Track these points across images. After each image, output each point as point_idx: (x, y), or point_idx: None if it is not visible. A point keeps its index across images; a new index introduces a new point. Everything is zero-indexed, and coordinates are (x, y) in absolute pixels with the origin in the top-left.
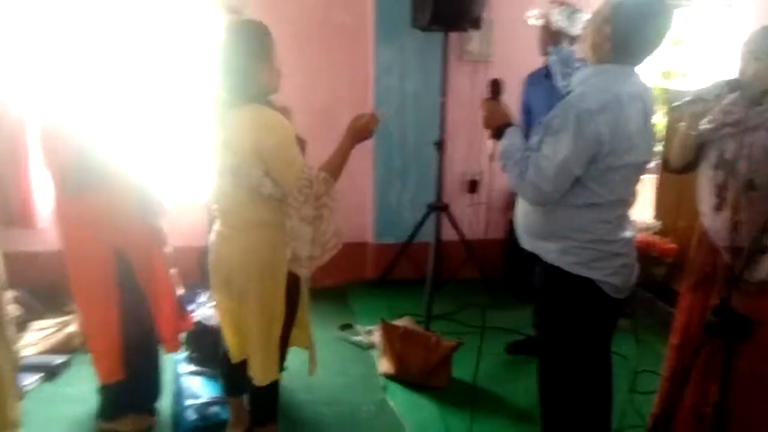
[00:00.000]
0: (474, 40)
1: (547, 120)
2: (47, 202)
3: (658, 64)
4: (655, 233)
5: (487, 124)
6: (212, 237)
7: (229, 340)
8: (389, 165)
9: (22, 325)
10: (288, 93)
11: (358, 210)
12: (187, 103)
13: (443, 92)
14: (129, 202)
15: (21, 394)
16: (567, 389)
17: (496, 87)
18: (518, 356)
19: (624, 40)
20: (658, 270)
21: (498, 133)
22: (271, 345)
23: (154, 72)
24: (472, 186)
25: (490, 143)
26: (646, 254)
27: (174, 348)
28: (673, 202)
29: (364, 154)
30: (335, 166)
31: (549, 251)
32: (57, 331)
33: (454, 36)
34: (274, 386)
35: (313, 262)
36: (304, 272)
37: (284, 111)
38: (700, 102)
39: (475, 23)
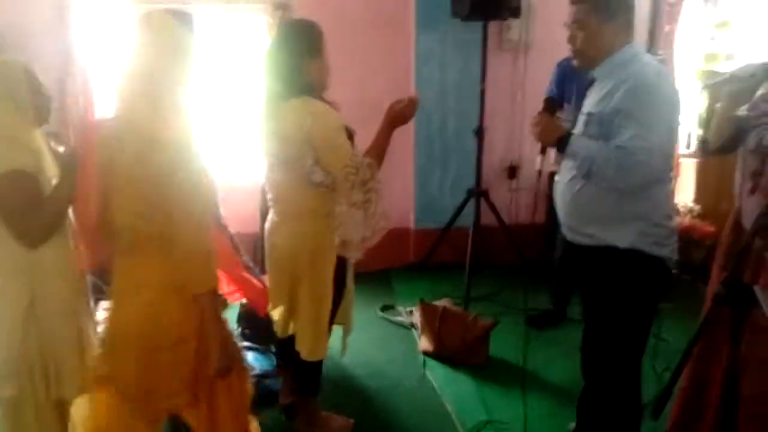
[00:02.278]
0: (513, 28)
1: (611, 104)
2: None
3: (701, 46)
4: (695, 216)
5: (544, 138)
6: (267, 225)
7: (277, 317)
8: (430, 152)
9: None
10: (333, 84)
11: (400, 196)
12: (240, 97)
13: (483, 80)
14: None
15: None
16: (625, 369)
17: (550, 104)
18: (548, 333)
19: (614, 16)
20: (697, 253)
21: (560, 144)
22: (320, 325)
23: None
24: (511, 172)
25: (540, 158)
26: (686, 237)
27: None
28: (714, 185)
29: (405, 142)
30: (378, 151)
31: (623, 236)
32: None
33: (493, 24)
34: (318, 362)
35: (364, 244)
36: (356, 255)
37: (332, 105)
38: (735, 81)
39: (515, 12)
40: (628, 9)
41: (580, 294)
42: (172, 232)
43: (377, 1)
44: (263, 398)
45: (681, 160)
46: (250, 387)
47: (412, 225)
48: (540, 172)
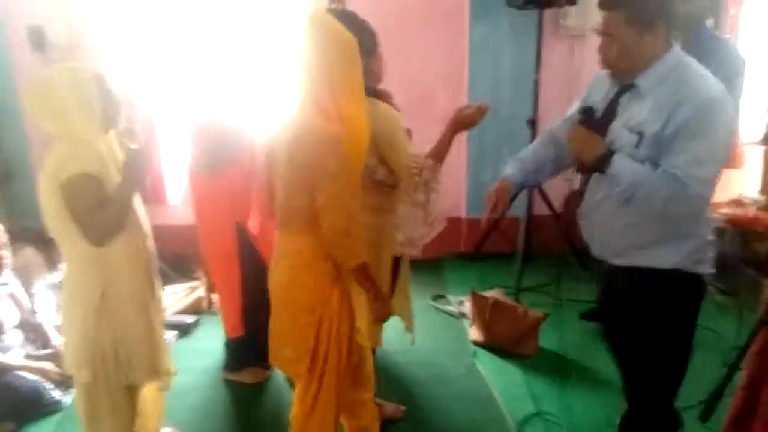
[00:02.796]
0: (571, 14)
1: (670, 123)
2: (177, 183)
3: None
4: (761, 208)
5: (581, 155)
6: None
7: None
8: (483, 142)
9: None
10: (389, 75)
11: (453, 186)
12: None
13: (537, 69)
14: (250, 181)
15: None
16: (671, 391)
17: (588, 115)
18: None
19: (652, 26)
20: (761, 246)
21: (599, 164)
22: None
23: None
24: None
25: (578, 178)
26: (750, 229)
27: None
28: None
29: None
30: (441, 153)
31: (667, 255)
32: (186, 295)
33: (549, 12)
34: (372, 349)
35: (423, 241)
36: (415, 252)
37: (387, 99)
38: None
39: None
40: (668, 14)
41: (613, 317)
42: (318, 210)
43: None
44: None
45: (745, 147)
46: (370, 371)
47: (463, 214)
48: (577, 194)
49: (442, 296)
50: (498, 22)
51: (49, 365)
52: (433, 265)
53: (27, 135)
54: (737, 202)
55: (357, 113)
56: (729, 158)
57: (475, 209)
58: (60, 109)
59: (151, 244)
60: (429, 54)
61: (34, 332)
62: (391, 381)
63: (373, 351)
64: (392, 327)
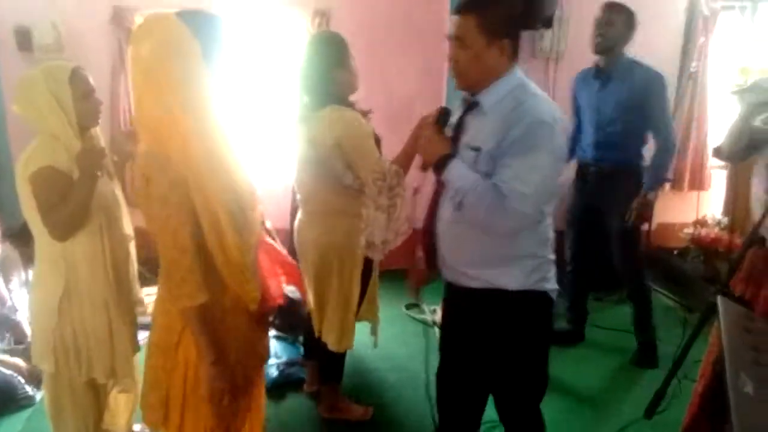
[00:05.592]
0: (546, 37)
1: (504, 141)
2: None
3: (736, 60)
4: (723, 228)
5: (426, 153)
6: (296, 224)
7: (314, 314)
8: None
9: None
10: (368, 89)
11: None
12: (273, 103)
13: None
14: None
15: (138, 348)
16: (536, 406)
17: (444, 116)
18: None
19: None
20: (722, 265)
21: (439, 165)
22: (347, 319)
23: (250, 74)
24: None
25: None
26: (712, 249)
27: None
28: (744, 197)
29: None
30: (405, 159)
31: (512, 276)
32: None
33: (526, 34)
34: (343, 352)
35: (386, 246)
36: (378, 256)
37: (363, 113)
38: (757, 91)
39: (548, 22)
40: (515, 31)
41: (458, 339)
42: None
43: (411, 9)
44: (289, 385)
45: (711, 171)
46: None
47: None
48: (416, 189)
49: (415, 305)
50: None
51: (21, 361)
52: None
53: (9, 133)
54: (701, 223)
55: (203, 127)
56: (557, 181)
57: None
58: (35, 105)
59: (129, 245)
60: (409, 69)
61: (11, 328)
62: (361, 385)
63: (344, 354)
64: (363, 331)
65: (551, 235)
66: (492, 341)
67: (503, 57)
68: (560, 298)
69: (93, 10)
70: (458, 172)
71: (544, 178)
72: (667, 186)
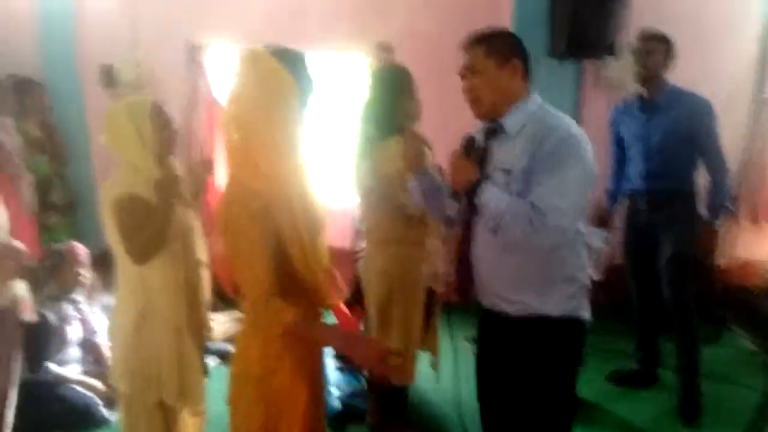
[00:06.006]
0: (612, 66)
1: (535, 157)
2: None
3: None
4: None
5: (457, 181)
6: (362, 254)
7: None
8: None
9: None
10: (427, 120)
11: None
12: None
13: (579, 120)
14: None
15: (207, 372)
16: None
17: (470, 145)
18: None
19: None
20: None
21: (471, 190)
22: (408, 350)
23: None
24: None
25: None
26: None
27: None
28: None
29: None
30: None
31: (552, 302)
32: (230, 322)
33: (590, 62)
34: (404, 386)
35: (445, 278)
36: (439, 287)
37: (425, 142)
38: None
39: (610, 50)
40: (522, 53)
41: (495, 365)
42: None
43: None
44: (351, 416)
45: None
46: None
47: None
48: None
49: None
50: (538, 71)
51: (99, 384)
52: (470, 307)
53: (94, 165)
54: None
55: (291, 168)
56: (589, 195)
57: None
58: (118, 137)
59: (202, 271)
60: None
61: (92, 351)
62: (422, 419)
63: (406, 387)
64: (426, 364)
65: (586, 258)
66: (528, 366)
67: (517, 78)
68: (629, 337)
69: (170, 47)
70: (491, 194)
71: (579, 191)
72: (745, 220)
